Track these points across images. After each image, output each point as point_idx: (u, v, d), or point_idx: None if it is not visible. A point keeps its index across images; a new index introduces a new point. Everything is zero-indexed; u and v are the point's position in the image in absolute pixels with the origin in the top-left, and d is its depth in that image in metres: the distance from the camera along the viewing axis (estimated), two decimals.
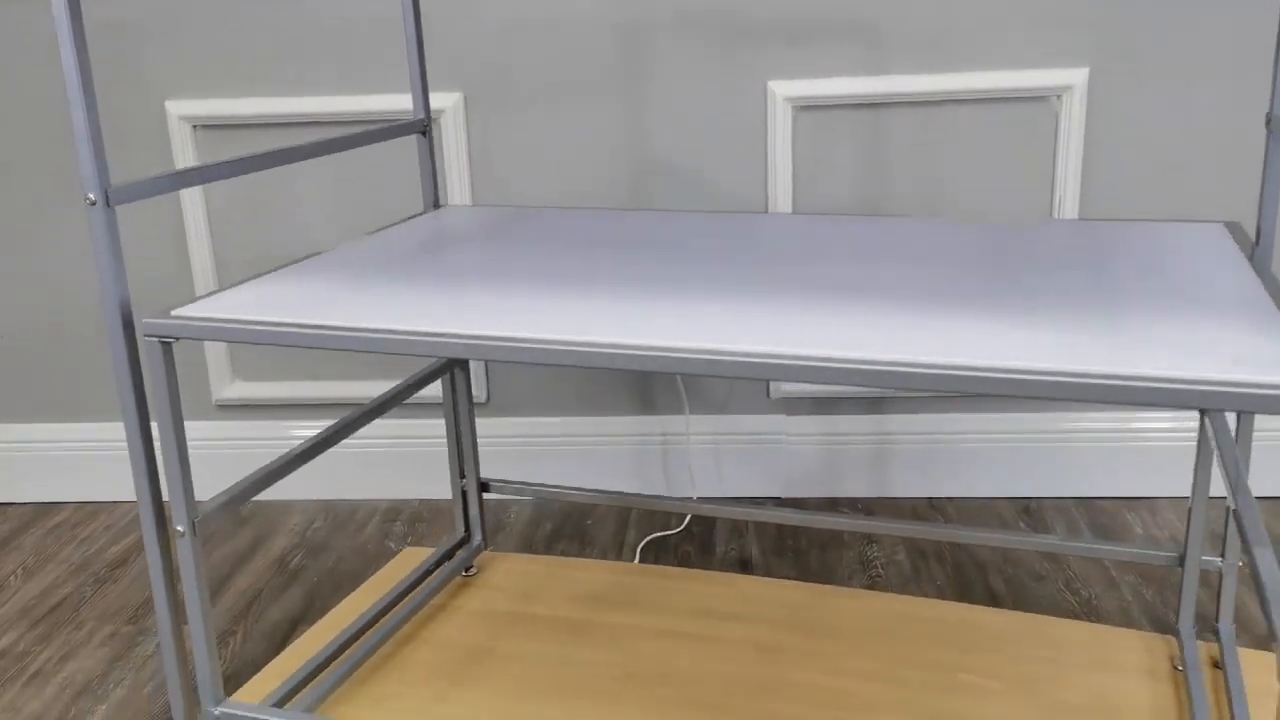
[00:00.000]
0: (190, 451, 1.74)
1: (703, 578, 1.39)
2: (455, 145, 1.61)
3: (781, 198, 1.59)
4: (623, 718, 1.12)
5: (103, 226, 0.90)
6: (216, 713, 1.07)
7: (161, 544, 1.00)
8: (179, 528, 0.99)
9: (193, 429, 1.75)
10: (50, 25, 1.59)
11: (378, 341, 0.86)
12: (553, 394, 1.71)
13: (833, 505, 1.68)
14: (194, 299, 0.99)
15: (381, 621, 1.28)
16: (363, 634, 1.25)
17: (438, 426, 1.73)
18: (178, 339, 0.94)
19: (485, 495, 1.45)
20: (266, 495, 1.76)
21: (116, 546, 1.63)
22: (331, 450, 1.74)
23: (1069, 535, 1.56)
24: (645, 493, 1.72)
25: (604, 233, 1.15)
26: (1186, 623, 1.21)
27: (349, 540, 1.63)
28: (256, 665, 1.32)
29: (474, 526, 1.43)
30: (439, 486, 1.74)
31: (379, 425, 1.73)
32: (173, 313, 0.95)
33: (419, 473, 1.74)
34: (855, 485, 1.70)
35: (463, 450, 1.39)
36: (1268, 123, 0.99)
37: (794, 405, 1.69)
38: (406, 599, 1.32)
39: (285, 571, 1.55)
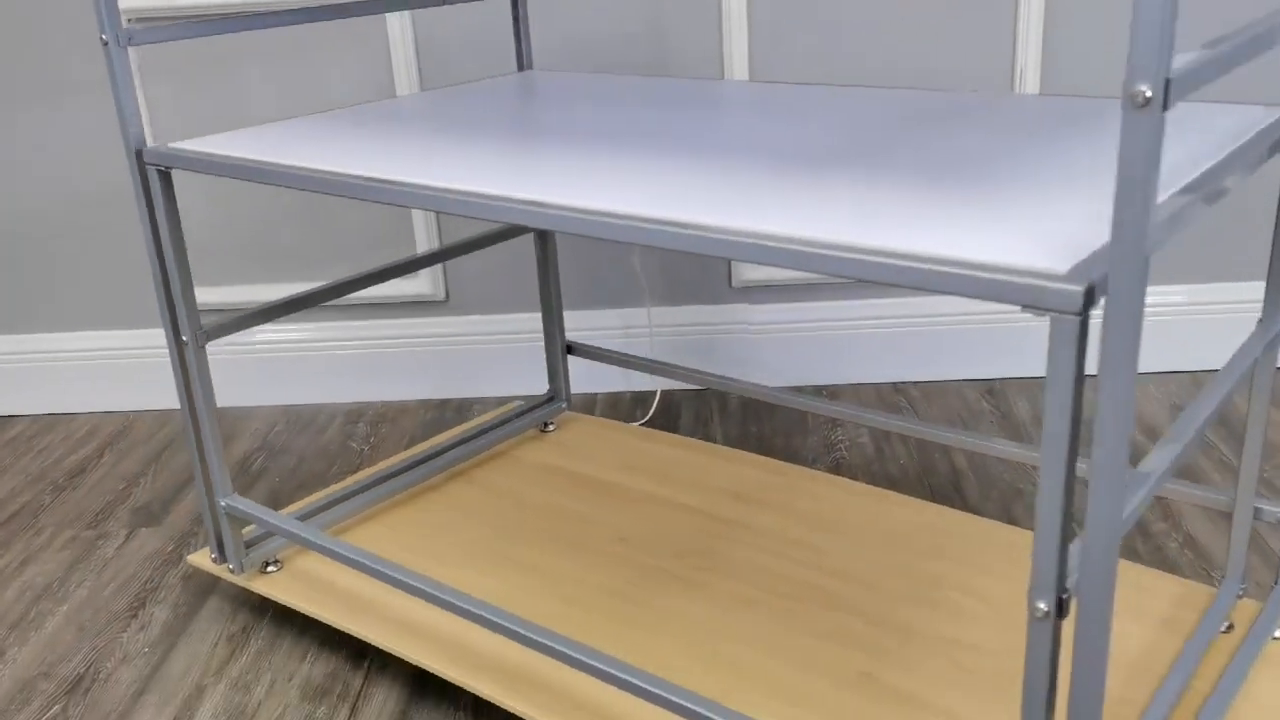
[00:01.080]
0: (150, 359, 1.72)
1: (761, 464, 1.37)
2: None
3: (738, 66, 1.55)
4: (598, 572, 1.12)
5: (119, 65, 1.00)
6: (224, 504, 1.17)
7: (179, 356, 1.12)
8: (184, 338, 1.10)
9: (144, 336, 1.72)
10: None
11: (361, 188, 0.87)
12: (512, 291, 1.69)
13: (798, 393, 1.67)
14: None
15: (436, 460, 1.36)
16: (407, 472, 1.34)
17: (398, 327, 1.71)
18: (173, 168, 1.04)
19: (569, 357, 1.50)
20: (226, 400, 1.74)
21: (74, 456, 1.61)
22: (291, 354, 1.72)
23: (1031, 417, 1.56)
24: (609, 389, 1.71)
25: (609, 94, 1.12)
26: (1235, 572, 1.04)
27: (311, 442, 1.61)
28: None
29: (560, 387, 1.48)
30: (402, 388, 1.73)
31: (340, 327, 1.70)
32: (171, 145, 1.04)
33: (381, 375, 1.72)
34: (819, 372, 1.69)
35: (551, 310, 1.43)
36: None
37: (755, 294, 1.67)
38: (473, 442, 1.40)
39: (248, 473, 1.53)
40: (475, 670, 1.02)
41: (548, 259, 1.41)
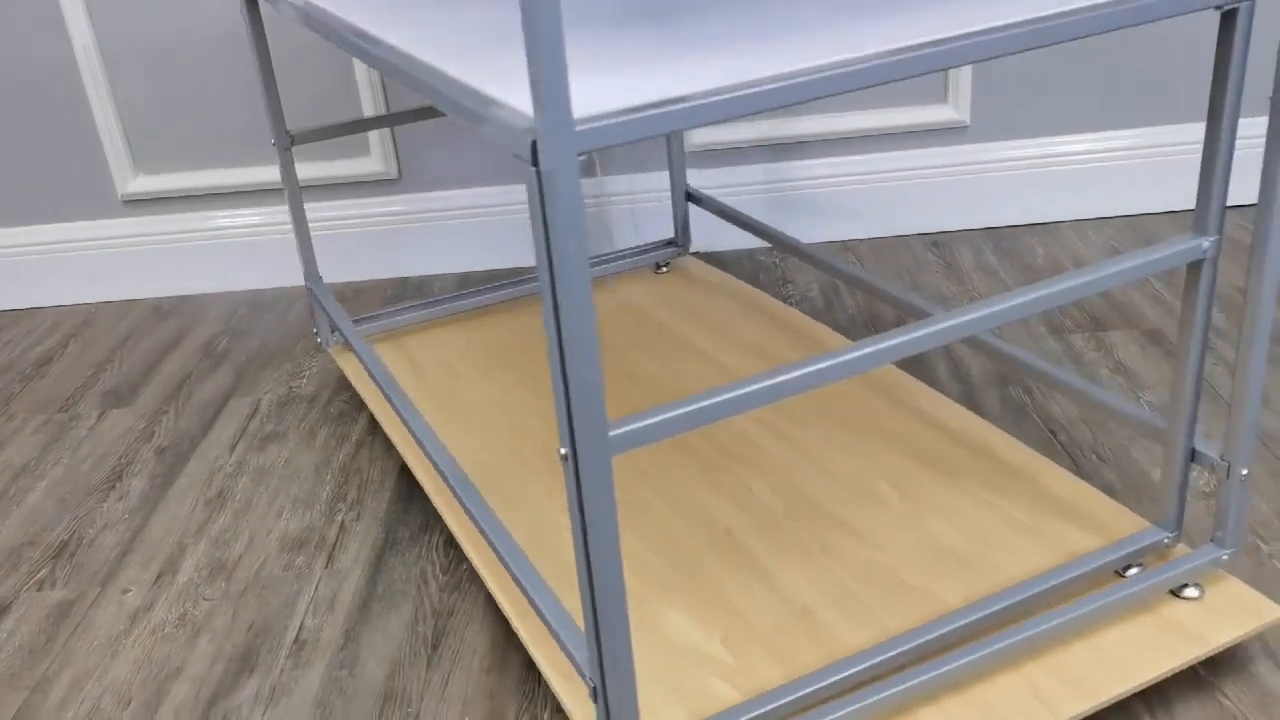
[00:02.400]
0: (100, 251, 1.73)
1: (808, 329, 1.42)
2: None
3: None
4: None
5: None
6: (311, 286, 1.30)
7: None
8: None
9: (100, 228, 1.73)
10: None
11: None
12: (463, 166, 1.70)
13: (749, 255, 1.71)
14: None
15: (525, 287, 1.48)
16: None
17: (349, 207, 1.72)
18: None
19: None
20: (186, 289, 1.75)
21: (40, 347, 1.63)
22: (250, 239, 1.73)
23: (974, 265, 1.61)
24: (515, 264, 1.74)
25: None
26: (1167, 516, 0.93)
27: (275, 322, 1.64)
28: (192, 440, 1.35)
29: (679, 230, 1.55)
30: (362, 267, 1.75)
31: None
32: None
33: (341, 255, 1.74)
34: (711, 236, 1.73)
35: (671, 156, 1.50)
36: None
37: (701, 158, 1.70)
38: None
39: (212, 355, 1.56)
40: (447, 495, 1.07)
41: None
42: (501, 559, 0.90)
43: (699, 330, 1.36)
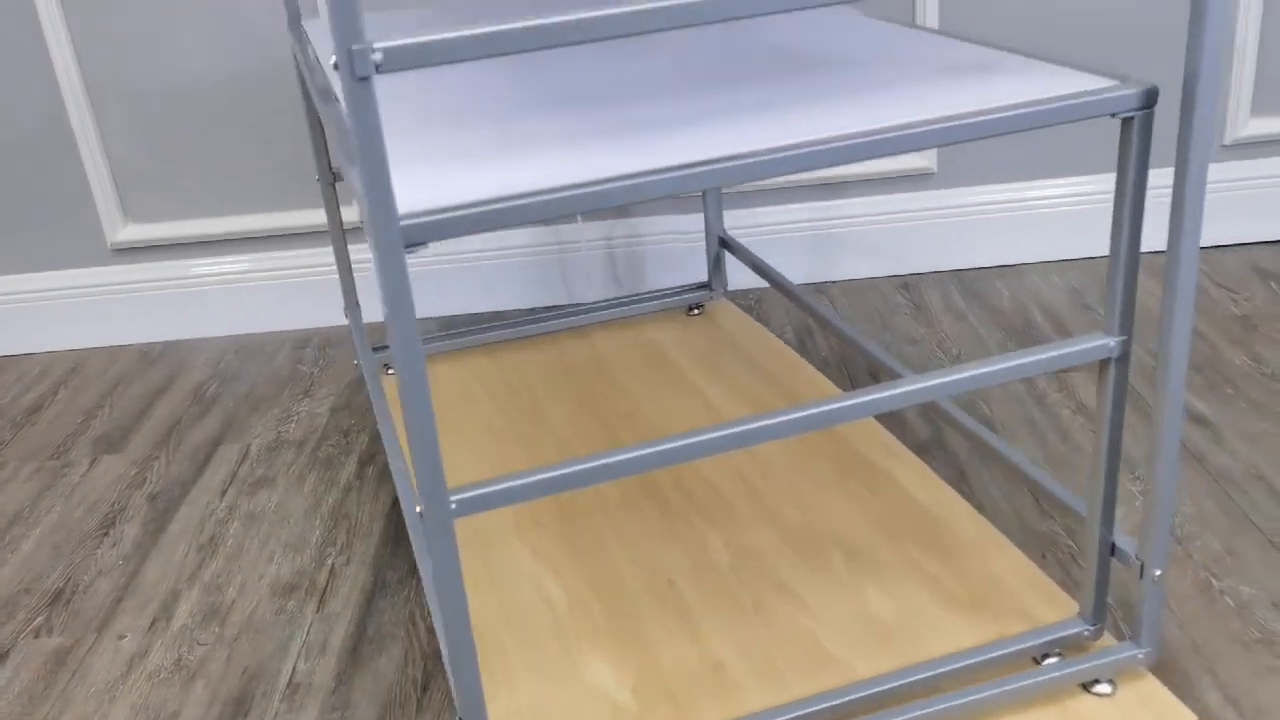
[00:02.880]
0: (89, 298, 1.76)
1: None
2: None
3: None
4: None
5: None
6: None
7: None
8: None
9: (89, 275, 1.76)
10: None
11: None
12: None
13: (656, 295, 1.76)
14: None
15: (578, 316, 1.56)
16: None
17: (330, 255, 1.76)
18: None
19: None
20: (173, 335, 1.79)
21: (30, 394, 1.66)
22: (236, 286, 1.77)
23: (945, 305, 1.66)
24: (552, 303, 1.79)
25: None
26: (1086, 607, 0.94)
27: (262, 368, 1.68)
28: (183, 485, 1.38)
29: (712, 273, 1.60)
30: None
31: (278, 257, 1.75)
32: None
33: (325, 301, 1.78)
34: (744, 276, 1.78)
35: (707, 204, 1.56)
36: None
37: (681, 203, 1.75)
38: (620, 308, 1.58)
39: (201, 400, 1.60)
40: None
41: None
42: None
43: (707, 376, 1.40)
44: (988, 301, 1.66)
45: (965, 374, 0.80)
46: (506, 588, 1.05)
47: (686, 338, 1.50)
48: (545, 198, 0.66)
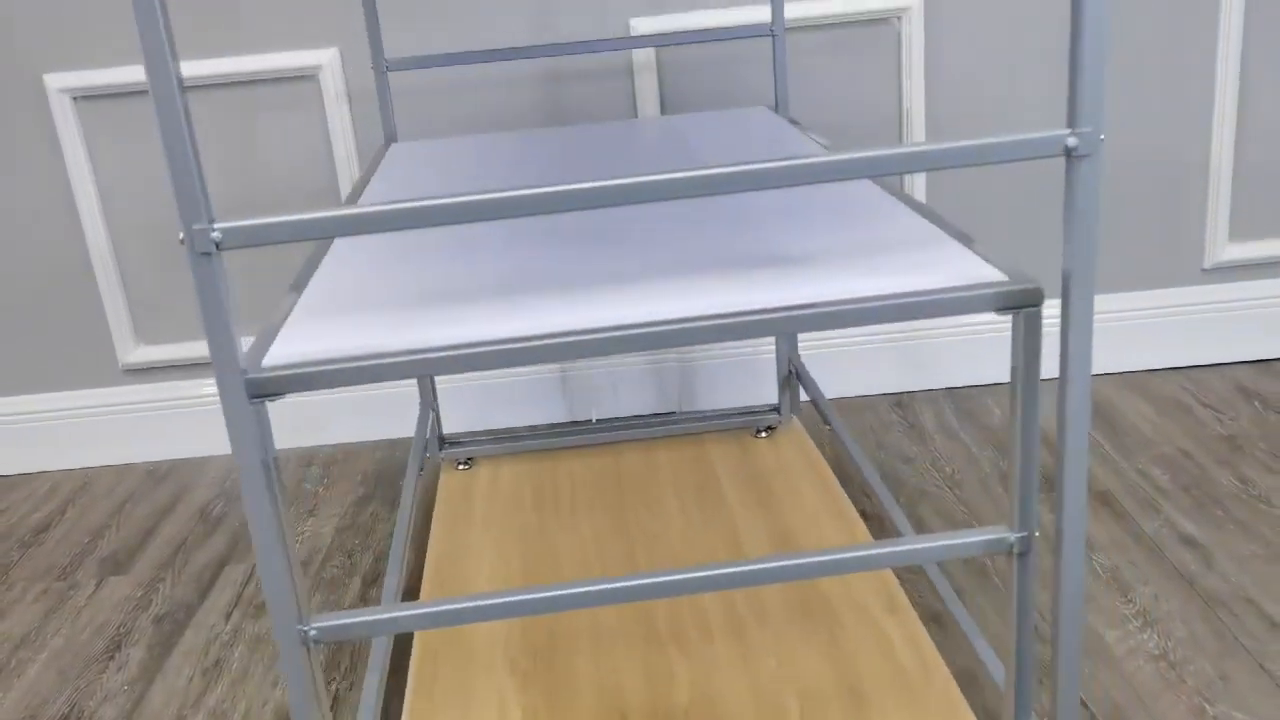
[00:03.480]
0: (99, 417, 1.79)
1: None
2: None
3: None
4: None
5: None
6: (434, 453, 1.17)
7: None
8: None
9: (99, 395, 1.80)
10: None
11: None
12: None
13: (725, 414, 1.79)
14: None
15: (639, 428, 1.61)
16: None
17: None
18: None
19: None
20: (180, 453, 1.82)
21: (38, 513, 1.68)
22: None
23: (938, 423, 1.70)
24: (552, 420, 1.82)
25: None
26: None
27: None
28: (188, 608, 1.40)
29: (781, 395, 1.62)
30: (350, 429, 1.82)
31: None
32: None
33: (328, 419, 1.81)
34: (744, 395, 1.82)
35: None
36: None
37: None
38: (686, 424, 1.62)
39: (208, 520, 1.62)
40: None
41: None
42: None
43: (746, 506, 1.40)
44: (980, 420, 1.70)
45: (875, 551, 0.81)
46: (472, 699, 1.06)
47: (743, 461, 1.52)
48: (396, 360, 0.74)
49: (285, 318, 0.83)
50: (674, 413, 1.81)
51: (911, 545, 0.82)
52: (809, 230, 0.91)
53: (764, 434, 1.59)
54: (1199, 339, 1.79)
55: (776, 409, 1.62)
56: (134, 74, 1.64)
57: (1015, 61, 1.67)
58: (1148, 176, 1.73)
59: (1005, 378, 1.81)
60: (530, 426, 1.82)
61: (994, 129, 1.71)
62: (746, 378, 1.82)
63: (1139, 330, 1.79)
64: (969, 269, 0.79)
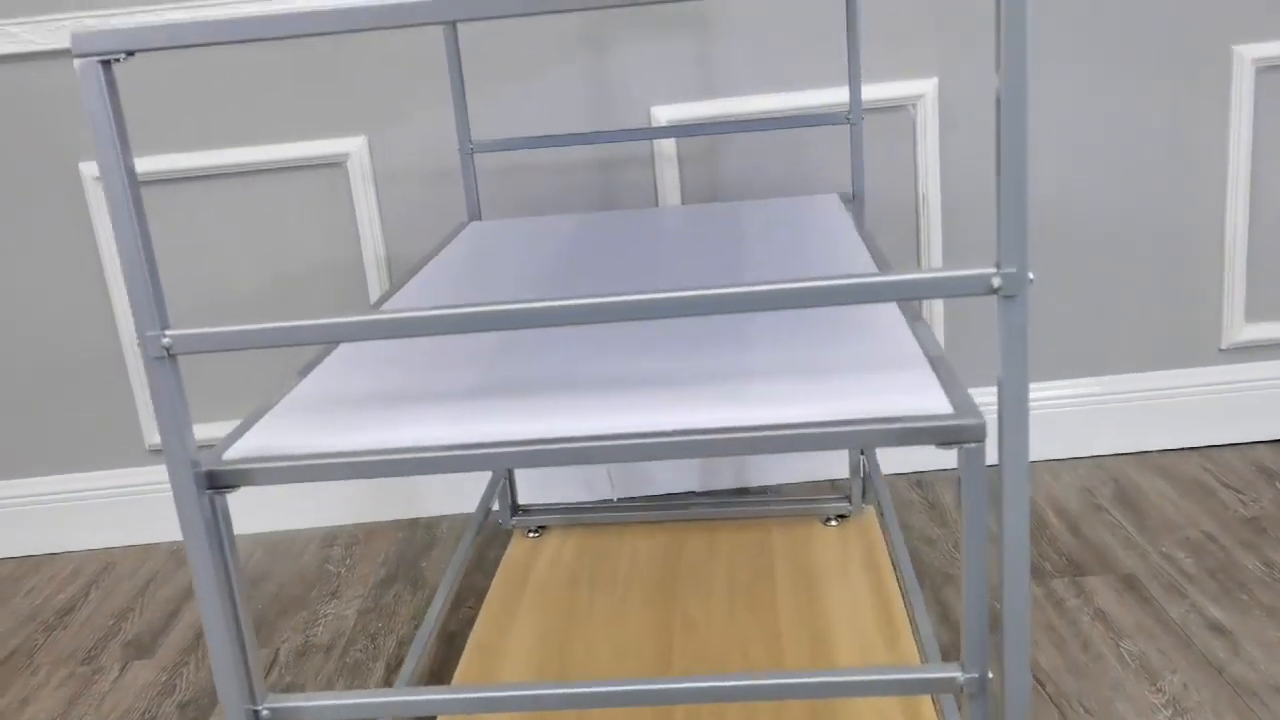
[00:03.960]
0: (123, 497, 1.81)
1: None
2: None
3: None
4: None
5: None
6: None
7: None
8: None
9: (124, 475, 1.81)
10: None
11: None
12: None
13: (743, 491, 1.80)
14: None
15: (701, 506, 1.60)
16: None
17: None
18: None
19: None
20: None
21: (63, 595, 1.69)
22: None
23: (958, 502, 1.70)
24: (573, 499, 1.83)
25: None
26: None
27: (288, 566, 1.71)
28: (212, 694, 1.40)
29: (855, 492, 1.57)
30: (373, 509, 1.83)
31: None
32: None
33: (351, 497, 1.82)
34: (765, 472, 1.83)
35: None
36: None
37: None
38: (747, 506, 1.60)
39: None
40: None
41: None
42: None
43: (796, 602, 1.38)
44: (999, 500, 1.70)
45: (822, 680, 0.81)
46: None
47: (805, 551, 1.49)
48: (358, 459, 0.78)
49: (268, 409, 0.88)
50: (746, 490, 1.81)
51: (863, 677, 0.81)
52: (777, 343, 0.92)
53: (833, 522, 1.55)
54: (1218, 419, 1.80)
55: (848, 497, 1.58)
56: (164, 163, 1.68)
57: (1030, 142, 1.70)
58: (1163, 256, 1.75)
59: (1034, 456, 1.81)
60: (602, 501, 1.83)
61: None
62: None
63: (1158, 410, 1.80)
64: (918, 398, 0.78)
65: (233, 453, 0.80)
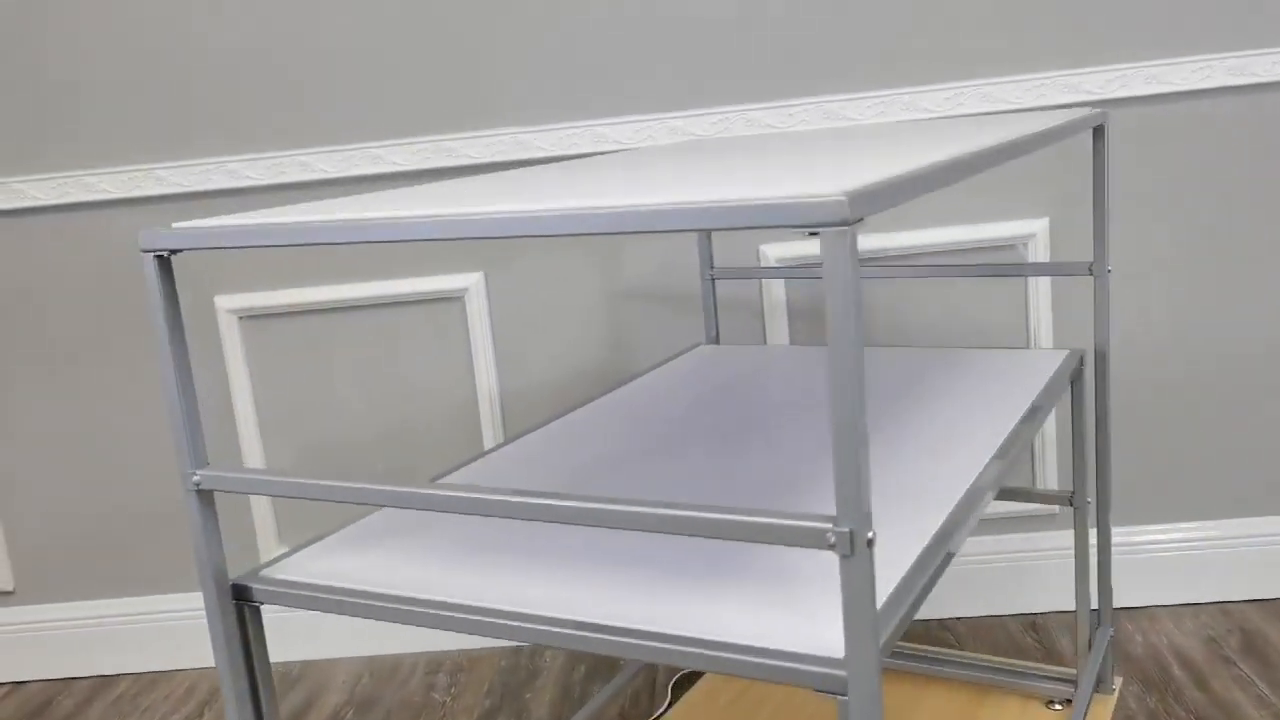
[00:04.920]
0: None
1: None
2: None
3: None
4: None
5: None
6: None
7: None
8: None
9: None
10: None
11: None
12: None
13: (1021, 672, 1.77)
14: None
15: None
16: None
17: None
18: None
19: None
20: (312, 654, 1.86)
21: (177, 715, 1.72)
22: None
23: (1073, 651, 1.65)
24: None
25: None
26: None
27: (396, 692, 1.72)
28: None
29: (1082, 670, 1.36)
30: (474, 636, 1.84)
31: None
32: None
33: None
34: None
35: (1078, 594, 1.36)
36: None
37: None
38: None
39: None
40: None
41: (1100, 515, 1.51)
42: None
43: None
44: (1120, 647, 1.64)
45: None
46: None
47: None
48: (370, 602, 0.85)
49: (323, 537, 0.96)
50: (963, 649, 1.67)
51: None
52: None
53: (1058, 707, 1.34)
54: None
55: (1074, 681, 1.39)
56: (291, 297, 1.76)
57: (1135, 270, 1.69)
58: (1276, 400, 1.71)
59: (1142, 601, 1.76)
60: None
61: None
62: None
63: (1275, 557, 1.73)
64: (814, 629, 0.72)
65: (274, 571, 0.89)
